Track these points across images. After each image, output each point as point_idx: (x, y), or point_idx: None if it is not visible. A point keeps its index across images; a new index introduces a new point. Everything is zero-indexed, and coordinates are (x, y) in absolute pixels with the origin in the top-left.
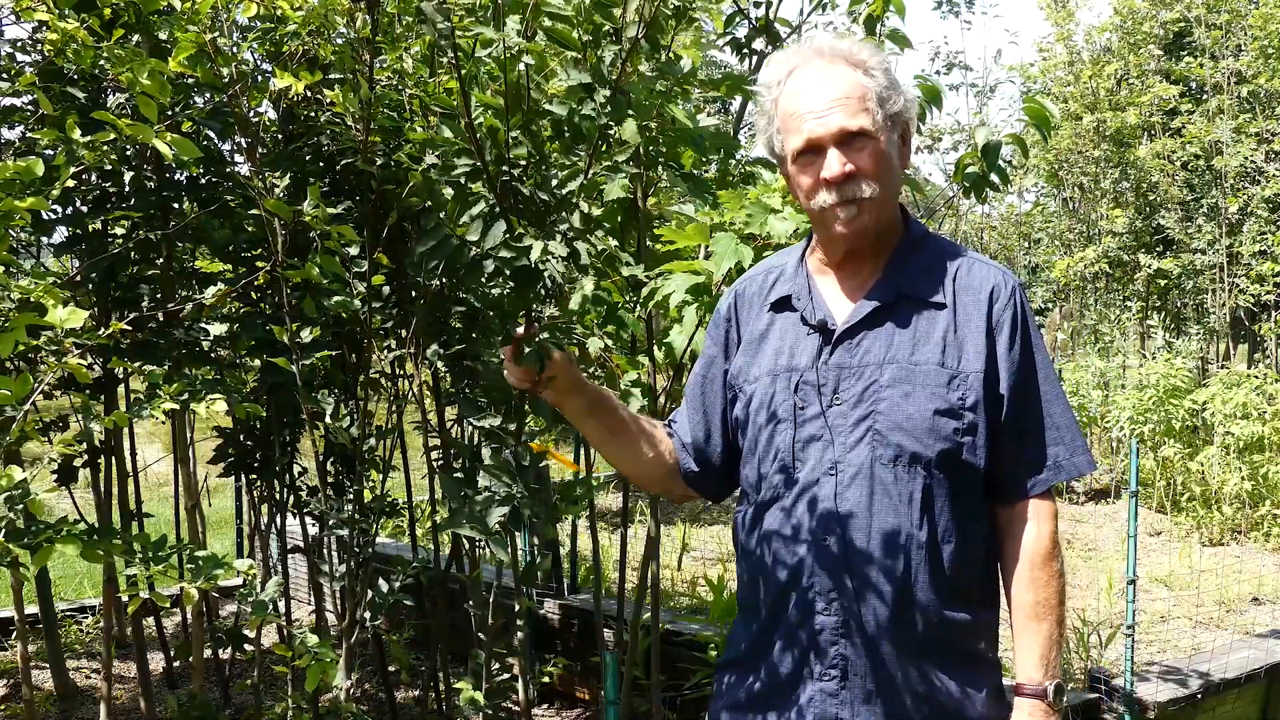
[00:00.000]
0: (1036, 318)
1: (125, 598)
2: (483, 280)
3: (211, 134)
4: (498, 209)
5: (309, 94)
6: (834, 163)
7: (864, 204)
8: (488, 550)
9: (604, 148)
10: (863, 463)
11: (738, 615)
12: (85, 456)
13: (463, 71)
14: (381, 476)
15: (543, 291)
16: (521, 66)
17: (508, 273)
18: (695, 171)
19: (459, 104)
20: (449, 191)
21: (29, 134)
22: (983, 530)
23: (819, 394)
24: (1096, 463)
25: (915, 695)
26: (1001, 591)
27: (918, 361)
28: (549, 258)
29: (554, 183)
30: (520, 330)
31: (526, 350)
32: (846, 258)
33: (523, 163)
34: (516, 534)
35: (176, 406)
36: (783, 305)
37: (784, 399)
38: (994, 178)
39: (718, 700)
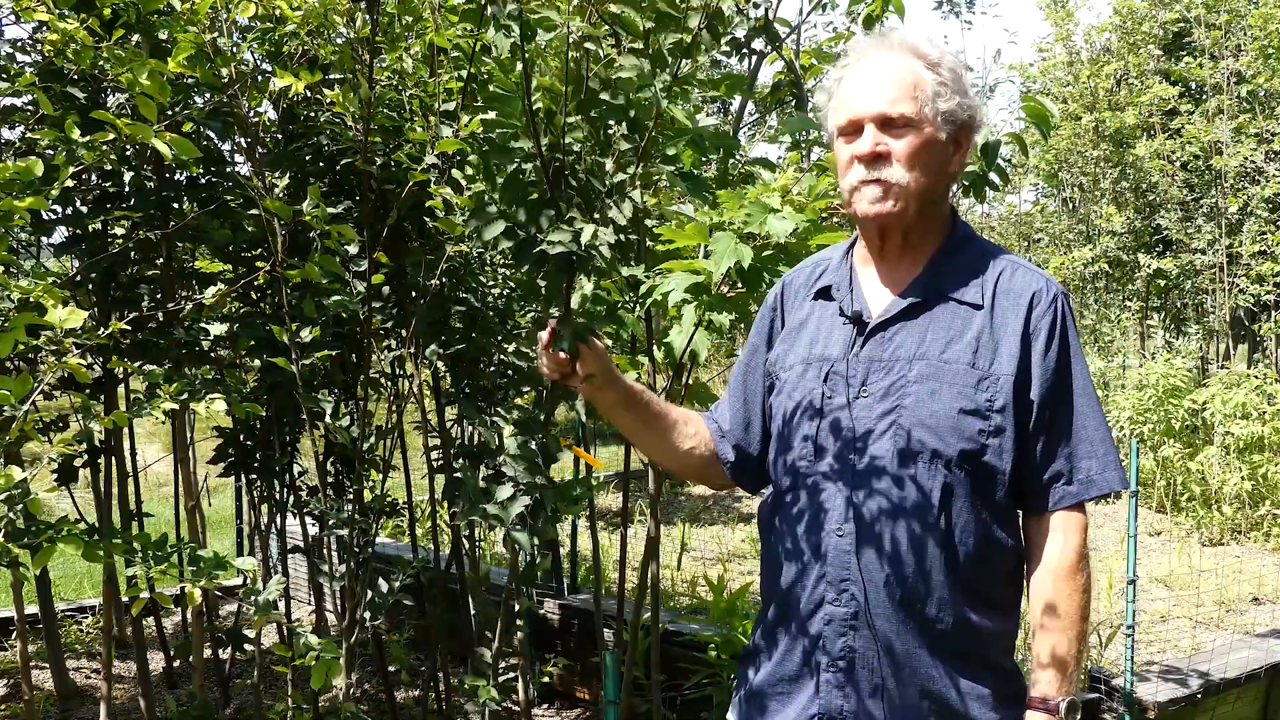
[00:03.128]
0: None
1: (127, 598)
2: (533, 264)
3: (211, 134)
4: (549, 194)
5: (309, 94)
6: (866, 140)
7: (890, 188)
8: (488, 550)
9: (662, 139)
10: (883, 457)
11: (761, 602)
12: (85, 456)
13: (525, 54)
14: (381, 476)
15: (600, 273)
16: (585, 49)
17: (553, 255)
18: (695, 171)
19: (519, 85)
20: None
21: (29, 134)
22: (1007, 536)
23: (847, 385)
24: (1129, 480)
25: (922, 692)
26: (1023, 600)
27: (948, 360)
28: (597, 244)
29: (607, 167)
30: (554, 319)
31: (562, 335)
32: (886, 250)
33: (577, 148)
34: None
35: (176, 406)
36: (823, 295)
37: (813, 388)
38: (993, 177)
39: (738, 689)
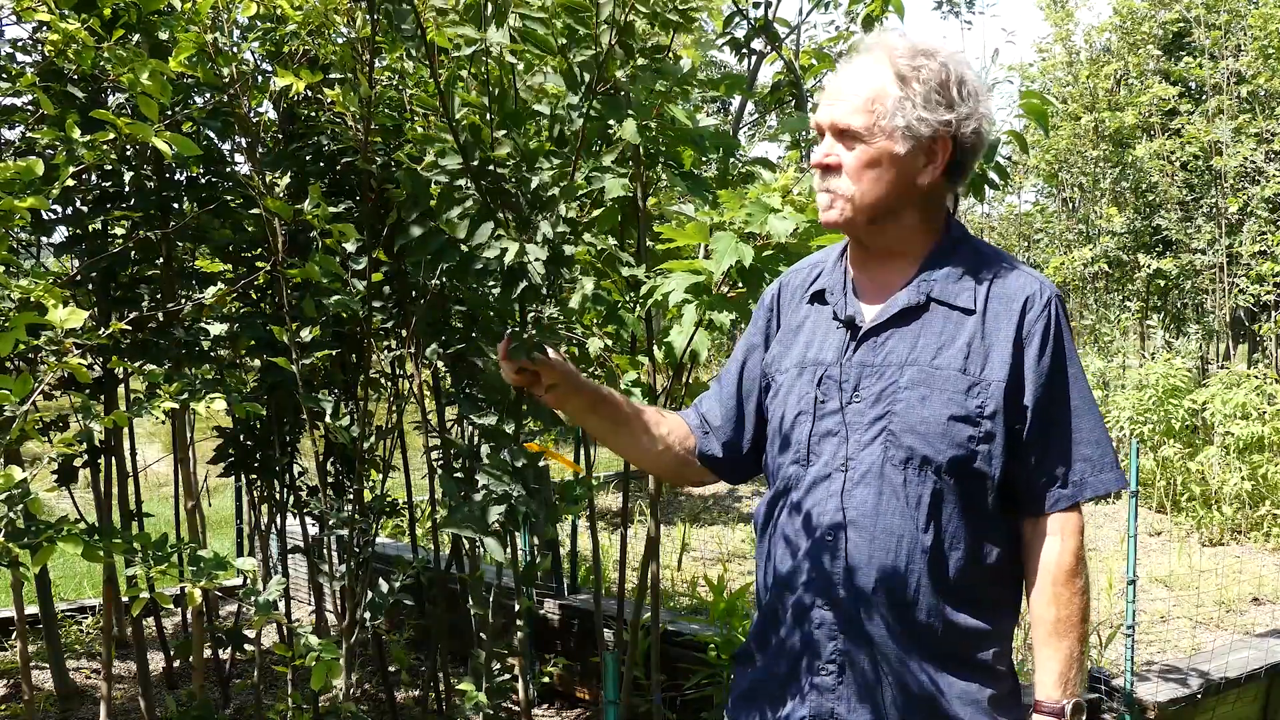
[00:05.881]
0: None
1: (127, 598)
2: (476, 279)
3: (211, 134)
4: (486, 208)
5: (309, 93)
6: (819, 150)
7: (836, 199)
8: (487, 550)
9: (600, 147)
10: (874, 462)
11: (755, 604)
12: (85, 456)
13: (443, 73)
14: (381, 476)
15: (536, 290)
16: (509, 64)
17: (497, 272)
18: (695, 171)
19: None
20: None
21: (29, 134)
22: (998, 540)
23: (840, 390)
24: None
25: (913, 696)
26: (1020, 604)
27: (939, 366)
28: (527, 259)
29: (534, 184)
30: (510, 330)
31: (517, 349)
32: (865, 256)
33: (509, 162)
34: (516, 534)
35: (176, 406)
36: (818, 299)
37: (807, 392)
38: (993, 175)
39: (732, 690)
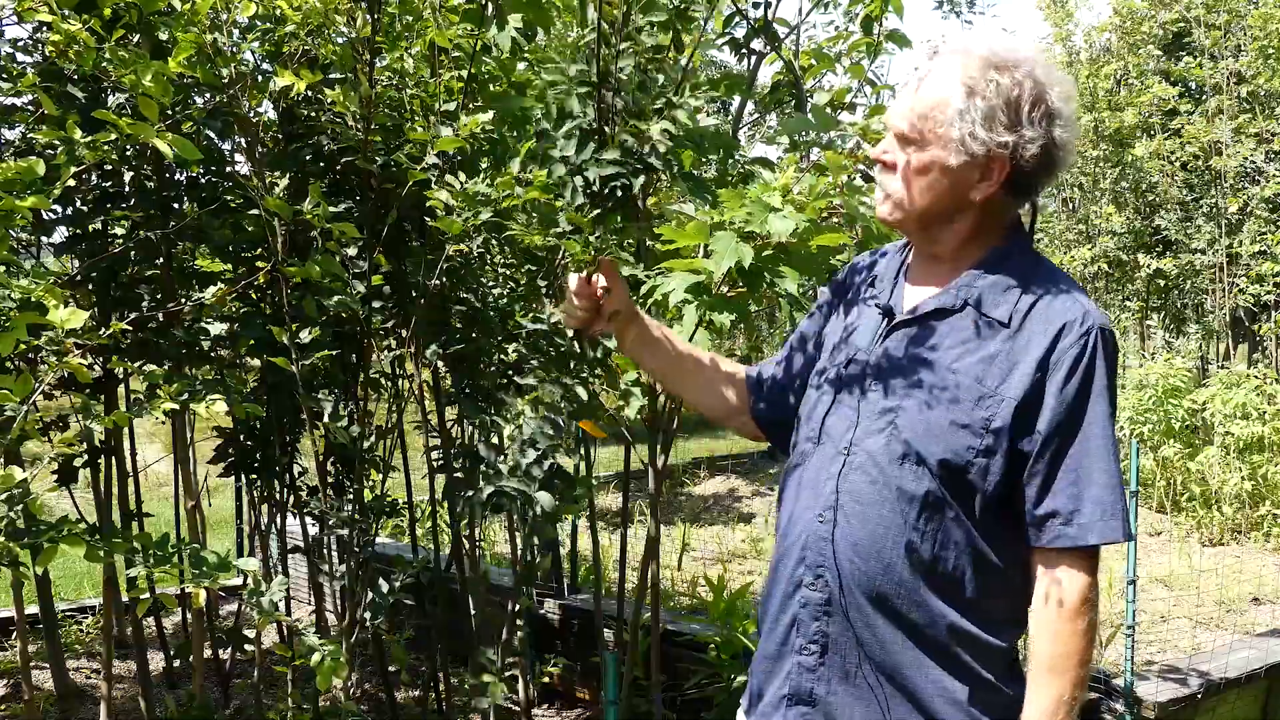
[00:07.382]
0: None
1: (130, 599)
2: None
3: (211, 134)
4: (597, 124)
5: (309, 94)
6: (880, 145)
7: (889, 197)
8: (488, 550)
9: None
10: (874, 452)
11: None
12: (85, 456)
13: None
14: (381, 476)
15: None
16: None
17: (608, 183)
18: (695, 171)
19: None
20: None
21: (29, 134)
22: (997, 553)
23: (863, 377)
24: (1134, 534)
25: (892, 684)
26: (1020, 622)
27: (955, 370)
28: (654, 143)
29: (656, 88)
30: (584, 270)
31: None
32: (924, 253)
33: (624, 75)
34: (517, 534)
35: (176, 406)
36: (874, 284)
37: (834, 374)
38: None
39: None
